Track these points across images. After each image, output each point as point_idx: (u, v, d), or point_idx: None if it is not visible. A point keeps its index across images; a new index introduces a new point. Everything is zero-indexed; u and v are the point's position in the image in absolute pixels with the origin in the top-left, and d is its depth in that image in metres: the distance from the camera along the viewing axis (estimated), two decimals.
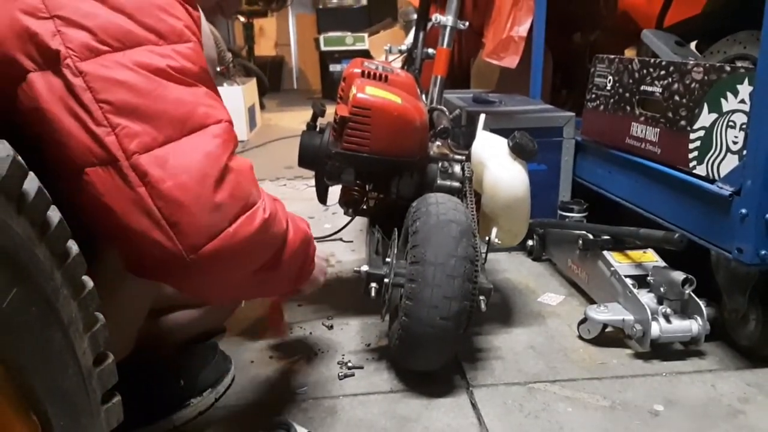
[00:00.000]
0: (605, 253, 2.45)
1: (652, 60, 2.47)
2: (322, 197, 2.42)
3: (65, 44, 1.24)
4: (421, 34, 3.10)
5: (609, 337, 2.30)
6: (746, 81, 2.01)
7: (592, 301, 2.54)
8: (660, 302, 2.22)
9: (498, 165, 2.25)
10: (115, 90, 1.26)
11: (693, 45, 2.95)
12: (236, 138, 1.47)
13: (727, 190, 2.01)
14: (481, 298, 1.97)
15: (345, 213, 2.40)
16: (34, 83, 1.24)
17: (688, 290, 2.15)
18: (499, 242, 2.20)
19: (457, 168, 2.28)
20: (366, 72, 2.27)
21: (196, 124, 1.35)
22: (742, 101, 2.02)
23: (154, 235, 1.30)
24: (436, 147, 2.32)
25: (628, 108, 2.58)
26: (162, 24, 1.34)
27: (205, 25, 1.59)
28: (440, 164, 2.27)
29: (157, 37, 1.33)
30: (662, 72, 2.38)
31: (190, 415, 1.89)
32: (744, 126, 2.00)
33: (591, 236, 2.54)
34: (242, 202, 1.39)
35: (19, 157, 0.84)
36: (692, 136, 2.21)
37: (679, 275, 2.16)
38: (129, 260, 1.40)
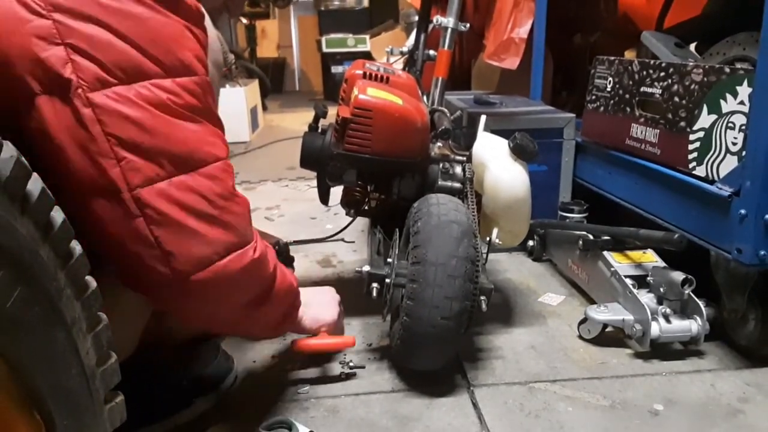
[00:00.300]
0: (605, 253, 2.45)
1: (652, 61, 2.47)
2: (324, 198, 2.42)
3: (77, 73, 1.24)
4: (423, 36, 3.10)
5: (609, 337, 2.30)
6: (745, 82, 2.01)
7: (592, 301, 2.54)
8: (660, 302, 2.22)
9: (499, 166, 2.25)
10: (123, 125, 1.27)
11: (692, 47, 2.95)
12: (233, 173, 1.50)
13: (726, 190, 2.01)
14: (482, 298, 1.97)
15: (347, 213, 2.40)
16: (42, 107, 1.24)
17: (687, 290, 2.15)
18: (500, 243, 2.20)
19: (458, 169, 2.28)
20: (367, 73, 2.27)
21: (197, 162, 1.38)
22: (742, 102, 2.02)
23: (149, 262, 1.35)
24: (437, 148, 2.32)
25: (628, 109, 2.58)
26: (170, 57, 1.35)
27: (211, 27, 1.59)
28: (441, 165, 2.27)
29: (165, 71, 1.34)
30: (662, 73, 2.38)
31: (192, 415, 1.89)
32: (743, 127, 2.00)
33: (591, 237, 2.54)
34: (235, 240, 1.44)
35: (23, 159, 0.84)
36: (692, 137, 2.21)
37: (678, 275, 2.16)
38: (124, 277, 1.43)
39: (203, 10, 1.49)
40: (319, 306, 2.02)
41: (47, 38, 1.22)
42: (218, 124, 1.48)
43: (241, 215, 1.48)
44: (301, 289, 1.88)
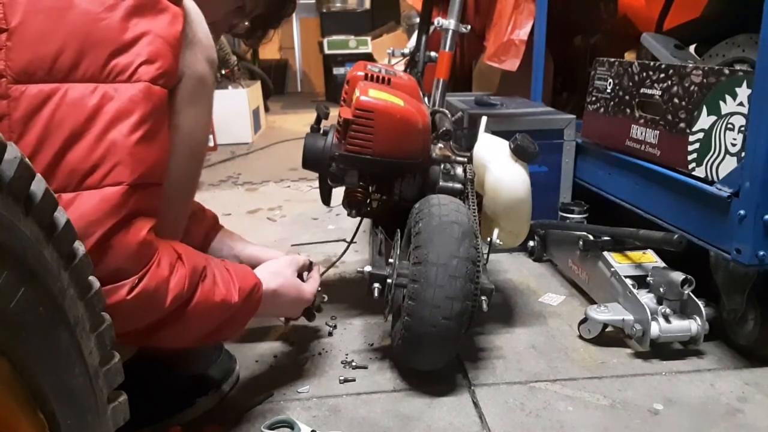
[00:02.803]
0: (605, 253, 2.46)
1: (652, 63, 2.47)
2: (326, 199, 2.42)
3: (6, 62, 1.24)
4: (424, 38, 3.10)
5: (609, 337, 2.30)
6: (745, 84, 2.00)
7: (592, 302, 2.54)
8: (659, 302, 2.22)
9: (499, 167, 2.25)
10: (32, 123, 1.25)
11: (692, 48, 2.95)
12: (137, 202, 1.37)
13: (725, 191, 2.00)
14: (483, 298, 1.96)
15: (348, 214, 2.40)
16: None
17: (687, 290, 2.15)
18: (501, 243, 2.20)
19: (459, 170, 2.28)
20: (369, 75, 2.27)
21: (93, 181, 1.30)
22: (741, 104, 2.02)
23: None
24: (438, 149, 2.32)
25: (628, 110, 2.58)
26: (114, 61, 1.33)
27: (203, 25, 1.58)
28: (442, 166, 2.27)
29: (103, 74, 1.32)
30: (662, 75, 2.38)
31: (195, 414, 1.90)
32: (742, 128, 2.00)
33: (591, 237, 2.54)
34: (101, 275, 1.24)
35: (27, 159, 0.84)
36: (691, 138, 2.21)
37: (678, 276, 2.16)
38: None
39: (187, 10, 1.49)
40: (289, 287, 2.00)
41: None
42: (154, 142, 1.40)
43: (121, 251, 1.34)
44: (264, 276, 1.88)
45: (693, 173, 2.20)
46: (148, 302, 1.43)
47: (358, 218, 2.47)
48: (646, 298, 2.23)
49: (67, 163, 1.27)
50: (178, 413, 1.87)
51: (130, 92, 1.34)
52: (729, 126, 2.06)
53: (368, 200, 2.36)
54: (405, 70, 3.11)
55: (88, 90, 1.30)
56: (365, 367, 2.15)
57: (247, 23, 2.04)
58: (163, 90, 1.41)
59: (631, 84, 2.57)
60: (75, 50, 1.29)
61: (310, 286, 2.11)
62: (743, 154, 1.97)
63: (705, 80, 2.16)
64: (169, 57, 1.41)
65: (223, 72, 6.46)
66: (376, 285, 2.01)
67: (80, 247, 0.99)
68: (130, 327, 1.43)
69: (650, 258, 2.43)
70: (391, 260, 2.05)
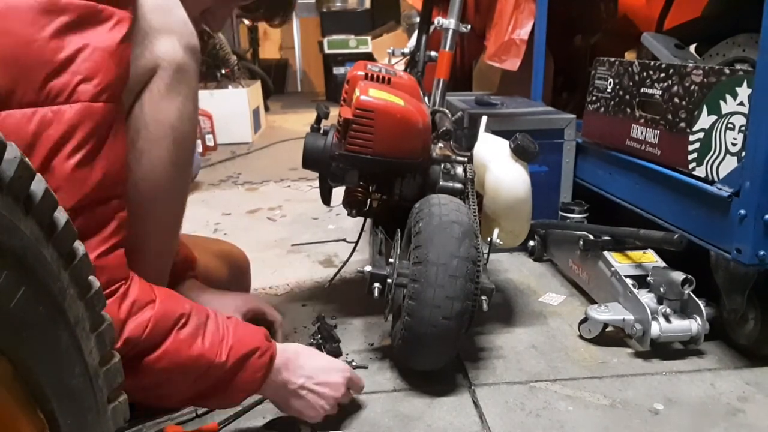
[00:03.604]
0: (606, 253, 2.46)
1: (652, 63, 2.47)
2: (326, 198, 2.42)
3: None
4: (424, 37, 3.10)
5: (609, 337, 2.30)
6: (745, 83, 2.01)
7: (592, 301, 2.54)
8: (660, 302, 2.22)
9: (500, 166, 2.25)
10: None
11: (692, 48, 2.95)
12: (85, 230, 1.34)
13: (726, 191, 2.00)
14: (483, 298, 1.97)
15: (348, 214, 2.40)
16: None
17: (687, 290, 2.15)
18: (501, 243, 2.20)
19: (460, 169, 2.28)
20: (369, 75, 2.27)
21: None
22: (741, 103, 2.02)
23: None
24: (438, 149, 2.32)
25: (629, 110, 2.58)
26: (53, 82, 1.29)
27: (179, 10, 1.55)
28: (443, 166, 2.27)
29: (40, 98, 1.28)
30: (662, 74, 2.38)
31: (196, 413, 1.88)
32: (743, 128, 2.00)
33: (592, 237, 2.54)
34: None
35: (27, 159, 0.84)
36: (692, 137, 2.21)
37: (678, 275, 2.16)
38: None
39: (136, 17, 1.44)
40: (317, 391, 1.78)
41: None
42: (92, 159, 1.35)
43: None
44: (301, 358, 1.77)
45: (693, 173, 2.20)
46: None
47: (360, 218, 2.47)
48: (646, 297, 2.23)
49: None
50: (179, 411, 1.86)
51: (69, 115, 1.30)
52: (729, 126, 2.06)
53: (368, 200, 2.37)
54: (405, 70, 3.10)
55: (26, 116, 1.26)
56: (365, 367, 2.14)
57: (261, 10, 2.01)
58: (106, 105, 1.36)
59: (631, 83, 2.57)
60: (8, 77, 1.25)
61: (346, 365, 1.90)
62: (743, 153, 1.97)
63: (705, 80, 2.16)
64: (111, 68, 1.36)
65: (224, 71, 6.46)
66: (377, 285, 2.01)
67: (80, 247, 0.99)
68: None
69: (650, 258, 2.43)
70: (391, 260, 2.05)
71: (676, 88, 2.30)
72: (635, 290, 2.25)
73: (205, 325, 1.55)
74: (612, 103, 2.71)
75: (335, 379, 1.81)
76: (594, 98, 2.86)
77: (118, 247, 1.43)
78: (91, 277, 1.02)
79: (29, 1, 1.27)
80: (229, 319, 1.63)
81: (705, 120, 2.16)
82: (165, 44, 1.49)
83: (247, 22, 9.50)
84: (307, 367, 1.76)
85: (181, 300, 1.56)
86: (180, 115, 1.55)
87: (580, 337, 2.33)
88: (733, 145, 2.05)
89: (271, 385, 1.68)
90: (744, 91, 2.01)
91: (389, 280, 2.00)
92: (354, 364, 2.14)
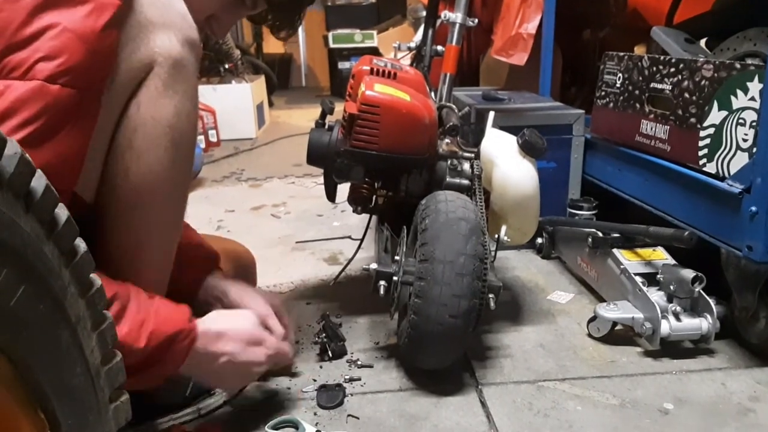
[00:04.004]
0: (615, 251, 2.45)
1: (662, 57, 2.46)
2: (331, 195, 2.42)
3: None
4: (430, 32, 3.10)
5: (619, 336, 2.30)
6: (756, 78, 2.00)
7: (601, 299, 2.54)
8: (670, 300, 2.22)
9: (507, 162, 2.24)
10: None
11: (703, 42, 2.94)
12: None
13: (736, 187, 2.00)
14: (491, 296, 1.96)
15: (354, 211, 2.39)
16: None
17: (698, 288, 2.14)
18: (509, 240, 2.19)
19: (467, 165, 2.28)
20: (375, 69, 2.26)
21: None
22: (752, 99, 2.02)
23: None
24: (445, 144, 2.32)
25: (638, 105, 2.58)
26: (13, 56, 1.26)
27: (169, 15, 1.53)
28: (449, 162, 2.27)
29: (2, 69, 1.26)
30: (672, 69, 2.38)
31: (216, 403, 1.92)
32: (754, 123, 2.00)
33: (600, 234, 2.53)
34: None
35: (27, 155, 0.84)
36: (702, 133, 2.21)
37: (688, 273, 2.15)
38: None
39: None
40: (234, 364, 1.74)
41: None
42: (39, 143, 1.30)
43: None
44: (213, 339, 1.70)
45: (704, 169, 2.19)
46: None
47: (365, 215, 2.46)
48: (656, 295, 2.22)
49: None
50: (183, 411, 1.87)
51: (19, 91, 1.26)
52: (740, 121, 2.06)
53: (374, 196, 2.36)
54: (411, 65, 3.10)
55: None
56: (371, 366, 2.15)
57: (270, 17, 2.00)
58: (64, 89, 1.31)
59: (640, 78, 2.57)
60: None
61: (275, 341, 1.86)
62: (755, 149, 1.96)
63: (716, 75, 2.16)
64: (78, 52, 1.31)
65: (227, 66, 6.46)
66: (382, 282, 2.01)
67: (81, 245, 0.99)
68: None
69: (660, 255, 2.42)
70: (397, 257, 2.05)
71: (686, 83, 2.29)
72: (645, 288, 2.24)
73: (126, 309, 1.49)
74: (621, 98, 2.70)
75: (257, 357, 1.78)
76: (603, 93, 2.85)
77: None
78: (92, 275, 1.02)
79: None
80: (152, 298, 1.56)
81: (715, 115, 2.15)
82: (162, 38, 1.46)
83: None
84: (229, 348, 1.71)
85: (109, 284, 1.47)
86: (178, 112, 1.52)
87: (589, 335, 2.33)
88: (744, 140, 2.04)
89: (189, 363, 1.63)
90: (755, 86, 2.01)
91: (395, 278, 2.00)
92: (359, 363, 2.14)
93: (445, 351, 1.98)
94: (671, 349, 2.21)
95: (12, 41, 1.26)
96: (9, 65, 1.26)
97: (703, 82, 2.21)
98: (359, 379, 2.07)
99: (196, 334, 1.63)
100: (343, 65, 9.29)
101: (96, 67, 1.36)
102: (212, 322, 1.70)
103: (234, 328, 1.75)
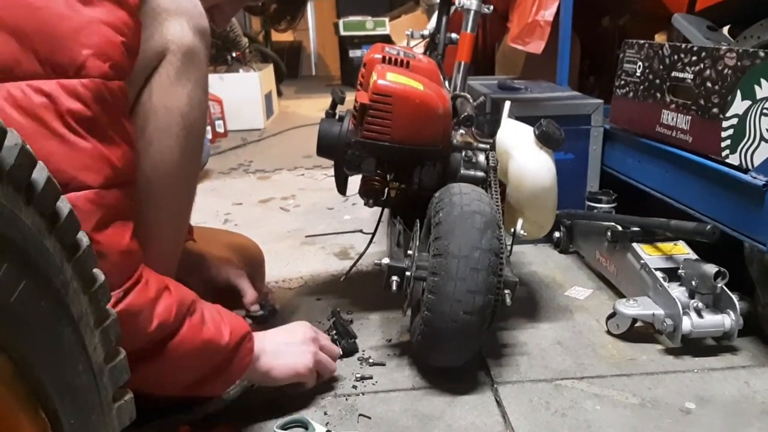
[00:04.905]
0: (635, 245, 2.44)
1: (684, 45, 2.45)
2: (342, 187, 2.41)
3: None
4: (444, 19, 3.09)
5: (639, 333, 2.29)
6: None
7: (621, 295, 2.53)
8: (691, 296, 2.21)
9: (524, 154, 2.24)
10: None
11: (726, 30, 2.94)
12: (110, 207, 1.35)
13: (761, 180, 1.99)
14: (506, 291, 1.96)
15: (365, 204, 2.39)
16: None
17: (720, 284, 2.14)
18: (525, 234, 2.19)
19: (482, 157, 2.27)
20: (387, 58, 2.26)
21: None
22: None
23: None
24: (459, 135, 2.31)
25: (659, 95, 2.57)
26: (59, 54, 1.27)
27: (182, 2, 1.55)
28: (464, 153, 2.27)
29: (47, 70, 1.26)
30: (694, 58, 2.37)
31: (222, 404, 1.92)
32: None
33: (620, 228, 2.53)
34: None
35: (28, 146, 0.83)
36: (725, 124, 2.20)
37: (711, 268, 2.14)
38: None
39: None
40: (289, 355, 1.89)
41: None
42: (113, 140, 1.36)
43: (102, 258, 1.24)
44: (268, 336, 1.87)
45: (726, 161, 2.19)
46: (132, 323, 1.40)
47: (377, 208, 2.46)
48: (677, 291, 2.22)
49: None
50: (196, 406, 1.88)
51: (79, 89, 1.29)
52: (764, 111, 2.05)
53: (386, 189, 2.36)
54: (424, 53, 3.09)
55: (32, 88, 1.25)
56: (383, 364, 2.15)
57: (274, 5, 2.01)
58: (114, 83, 1.35)
59: (661, 67, 2.56)
60: (13, 48, 1.24)
61: (321, 350, 1.98)
62: None
63: (739, 63, 2.15)
64: (117, 45, 1.35)
65: (234, 54, 6.45)
66: (395, 278, 2.01)
67: (84, 238, 0.99)
68: None
69: (682, 249, 2.41)
70: (410, 252, 2.04)
71: (708, 71, 2.29)
72: (666, 284, 2.24)
73: (204, 310, 1.61)
74: (641, 87, 2.70)
75: (306, 359, 1.89)
76: (622, 82, 2.84)
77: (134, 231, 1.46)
78: (95, 270, 1.02)
79: None
80: (213, 304, 1.68)
81: (739, 105, 2.15)
82: (174, 26, 1.49)
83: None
84: (282, 348, 1.86)
85: (183, 287, 1.59)
86: (190, 101, 1.55)
87: (608, 332, 2.32)
88: None
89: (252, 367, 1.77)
90: None
91: (408, 273, 1.99)
92: (371, 361, 2.14)
93: (460, 348, 1.98)
94: (693, 346, 2.20)
95: (57, 40, 1.27)
96: (61, 63, 1.27)
97: (726, 71, 2.20)
98: (371, 378, 2.07)
99: (253, 336, 1.75)
100: (354, 53, 9.28)
101: (130, 57, 1.40)
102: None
103: (288, 330, 1.92)
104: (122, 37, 1.35)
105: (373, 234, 2.59)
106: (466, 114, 2.35)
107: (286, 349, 1.88)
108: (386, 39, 8.70)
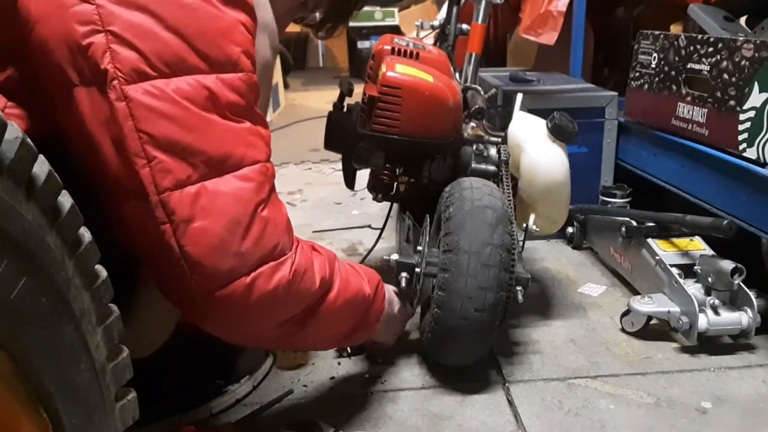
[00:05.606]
0: (650, 240, 2.44)
1: (700, 36, 2.45)
2: (350, 182, 2.42)
3: (114, 64, 1.24)
4: (455, 9, 3.08)
5: (654, 330, 2.29)
6: None
7: (635, 292, 2.53)
8: (708, 293, 2.20)
9: (536, 148, 2.24)
10: (157, 121, 1.27)
11: (743, 20, 2.93)
12: (272, 178, 1.47)
13: None
14: (518, 288, 1.95)
15: (374, 198, 2.39)
16: (79, 100, 1.26)
17: (737, 280, 2.13)
18: (537, 229, 2.19)
19: (493, 151, 2.27)
20: (396, 49, 2.26)
21: (232, 164, 1.36)
22: None
23: (175, 271, 1.32)
24: (470, 128, 2.31)
25: (674, 87, 2.57)
26: (216, 51, 1.34)
27: (267, 9, 1.59)
28: (475, 147, 2.26)
29: (209, 65, 1.33)
30: (710, 49, 2.36)
31: (227, 402, 1.93)
32: None
33: (635, 223, 2.52)
34: (265, 252, 1.40)
35: (29, 139, 0.83)
36: (742, 117, 2.19)
37: (728, 264, 2.14)
38: (157, 283, 1.44)
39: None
40: (397, 304, 2.04)
41: (88, 24, 1.23)
42: (261, 123, 1.47)
43: (277, 224, 1.44)
44: (387, 289, 1.96)
45: (743, 154, 2.18)
46: (301, 283, 1.50)
47: (386, 203, 2.46)
48: (693, 288, 2.21)
49: (200, 153, 1.31)
50: (211, 401, 1.90)
51: (237, 82, 1.38)
52: None
53: (395, 183, 2.36)
54: (435, 44, 3.09)
55: (197, 82, 1.32)
56: (392, 363, 2.14)
57: (318, 15, 2.04)
58: (255, 77, 1.45)
59: (677, 59, 2.56)
60: (178, 44, 1.30)
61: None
62: None
63: (756, 54, 2.14)
64: (252, 44, 1.44)
65: None
66: (404, 274, 2.01)
67: (86, 234, 0.99)
68: (284, 315, 1.50)
69: (698, 245, 2.41)
70: (419, 248, 2.05)
71: (725, 63, 2.28)
72: (681, 280, 2.23)
73: (344, 265, 1.73)
74: (656, 79, 2.69)
75: (400, 306, 2.06)
76: (637, 74, 2.84)
77: None
78: (97, 266, 1.02)
79: None
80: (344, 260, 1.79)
81: (756, 98, 2.14)
82: (261, 40, 1.54)
83: None
84: (392, 295, 2.01)
85: (314, 250, 1.65)
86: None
87: (622, 330, 2.32)
88: None
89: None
90: None
91: (417, 270, 2.00)
92: (379, 360, 2.14)
93: (471, 346, 1.98)
94: (709, 344, 2.20)
95: (217, 37, 1.35)
96: (219, 58, 1.35)
97: (743, 63, 2.20)
98: (379, 376, 2.08)
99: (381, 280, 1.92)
100: (362, 45, 9.27)
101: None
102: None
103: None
104: (253, 39, 1.45)
105: (382, 229, 2.59)
106: (477, 107, 2.35)
107: (392, 305, 2.01)
108: (395, 30, 8.69)
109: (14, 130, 0.81)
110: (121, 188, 1.28)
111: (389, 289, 1.99)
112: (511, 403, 1.95)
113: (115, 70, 1.24)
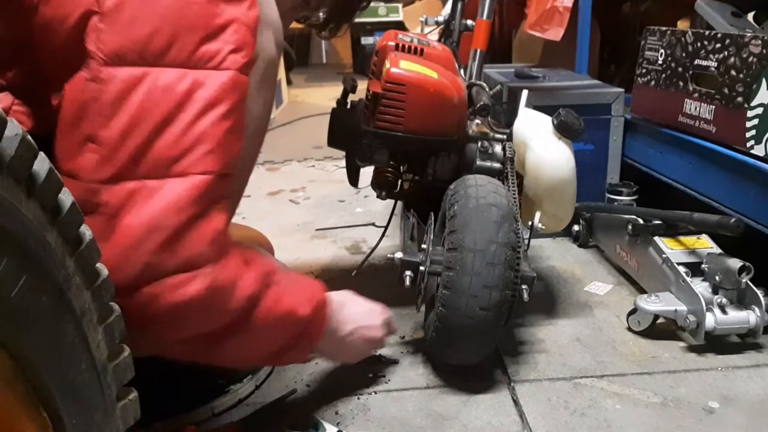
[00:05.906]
0: (656, 239, 2.44)
1: (707, 32, 2.45)
2: (354, 179, 2.42)
3: (97, 44, 1.26)
4: (460, 5, 3.08)
5: (660, 329, 2.28)
6: None
7: (642, 291, 2.53)
8: (715, 291, 2.20)
9: (541, 145, 2.23)
10: (121, 106, 1.27)
11: (751, 16, 2.93)
12: (219, 188, 1.40)
13: None
14: (524, 287, 1.96)
15: (378, 196, 2.39)
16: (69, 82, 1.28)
17: (745, 279, 2.13)
18: (543, 227, 2.19)
19: (498, 148, 2.27)
20: (400, 45, 2.26)
21: (179, 170, 1.33)
22: None
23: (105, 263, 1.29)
24: (475, 125, 2.31)
25: (681, 83, 2.56)
26: (202, 49, 1.34)
27: (273, 7, 1.59)
28: (480, 144, 2.26)
29: (193, 61, 1.34)
30: (717, 45, 2.36)
31: (230, 402, 1.93)
32: None
33: (641, 221, 2.52)
34: (178, 263, 1.33)
35: (29, 137, 0.83)
36: (750, 113, 2.19)
37: (735, 263, 2.13)
38: None
39: None
40: (365, 328, 1.94)
41: (85, 5, 1.25)
42: (236, 127, 1.43)
43: (202, 236, 1.36)
44: (346, 306, 1.89)
45: (751, 152, 2.18)
46: (221, 298, 1.43)
47: (390, 201, 2.46)
48: (700, 287, 2.21)
49: (155, 150, 1.30)
50: (213, 401, 1.89)
51: (221, 80, 1.37)
52: None
53: (399, 181, 2.36)
54: (439, 40, 3.09)
55: (178, 75, 1.32)
56: (396, 362, 2.15)
57: (321, 14, 2.04)
58: (246, 79, 1.43)
59: (684, 55, 2.55)
60: (167, 34, 1.31)
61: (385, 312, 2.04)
62: None
63: (764, 51, 2.14)
64: (251, 45, 1.43)
65: None
66: (408, 273, 2.01)
67: (87, 232, 0.99)
68: (194, 330, 1.44)
69: (705, 243, 2.41)
70: (423, 246, 2.04)
71: (732, 59, 2.28)
72: (688, 279, 2.23)
73: (283, 280, 1.64)
74: (663, 75, 2.69)
75: (376, 322, 1.96)
76: (644, 71, 2.84)
77: None
78: (98, 265, 1.02)
79: None
80: (293, 273, 1.74)
81: (764, 94, 2.14)
82: (266, 36, 1.54)
83: None
84: (354, 314, 1.90)
85: (262, 256, 1.64)
86: (264, 105, 1.60)
87: (629, 329, 2.32)
88: None
89: (326, 334, 1.79)
90: None
91: (422, 268, 2.00)
92: (384, 358, 2.14)
93: (475, 346, 1.98)
94: (716, 343, 2.20)
95: (206, 32, 1.36)
96: (206, 55, 1.36)
97: (750, 59, 2.20)
98: (383, 376, 2.08)
99: (329, 302, 1.80)
100: (366, 41, 9.27)
101: (253, 57, 1.47)
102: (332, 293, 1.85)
103: (352, 298, 1.96)
104: (253, 37, 1.44)
105: (386, 227, 2.59)
106: (482, 103, 2.35)
107: (355, 322, 1.92)
108: (399, 25, 8.70)
109: (14, 127, 0.81)
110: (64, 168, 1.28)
111: (353, 309, 1.93)
112: (516, 402, 1.95)
113: (96, 50, 1.25)
